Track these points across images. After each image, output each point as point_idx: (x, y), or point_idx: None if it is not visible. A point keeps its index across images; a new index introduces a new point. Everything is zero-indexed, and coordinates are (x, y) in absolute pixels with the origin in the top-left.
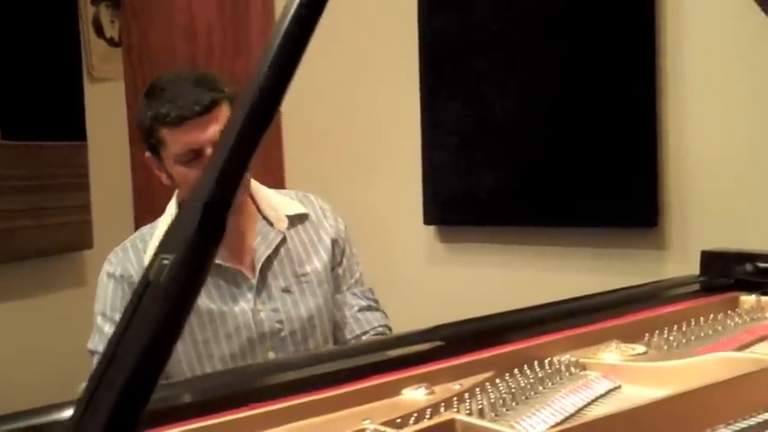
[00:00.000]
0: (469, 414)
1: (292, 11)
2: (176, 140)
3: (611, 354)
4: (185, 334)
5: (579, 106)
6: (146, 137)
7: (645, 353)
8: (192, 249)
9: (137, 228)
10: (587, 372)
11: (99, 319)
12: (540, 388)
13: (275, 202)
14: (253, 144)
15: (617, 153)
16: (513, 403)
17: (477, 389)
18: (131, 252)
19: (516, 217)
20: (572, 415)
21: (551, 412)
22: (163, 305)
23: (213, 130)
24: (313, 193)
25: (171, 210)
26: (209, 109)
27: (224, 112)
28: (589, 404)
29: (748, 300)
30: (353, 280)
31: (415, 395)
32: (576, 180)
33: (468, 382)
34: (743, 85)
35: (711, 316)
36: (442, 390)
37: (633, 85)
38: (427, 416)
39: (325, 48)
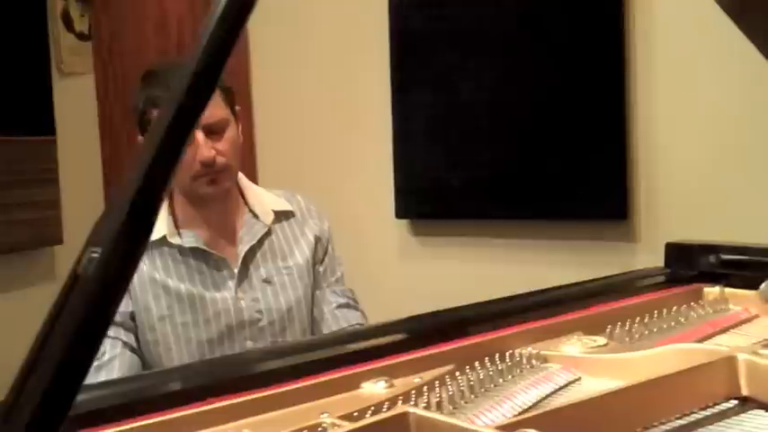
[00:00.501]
0: (427, 407)
1: (219, 12)
2: None
3: (573, 346)
4: (164, 314)
5: (550, 100)
6: (139, 120)
7: (606, 345)
8: (119, 242)
9: None
10: (548, 364)
11: None
12: (500, 380)
13: (262, 198)
14: (182, 139)
15: (587, 146)
16: (472, 396)
17: (437, 382)
18: None
19: (487, 210)
20: (530, 407)
21: (510, 404)
22: (90, 298)
23: (204, 114)
24: (300, 193)
25: None
26: None
27: (215, 99)
28: (548, 396)
29: (712, 291)
30: (334, 278)
31: (375, 389)
32: (547, 174)
33: (428, 375)
34: (711, 79)
35: (675, 308)
36: (402, 383)
37: (603, 78)
38: (384, 409)
39: (295, 41)
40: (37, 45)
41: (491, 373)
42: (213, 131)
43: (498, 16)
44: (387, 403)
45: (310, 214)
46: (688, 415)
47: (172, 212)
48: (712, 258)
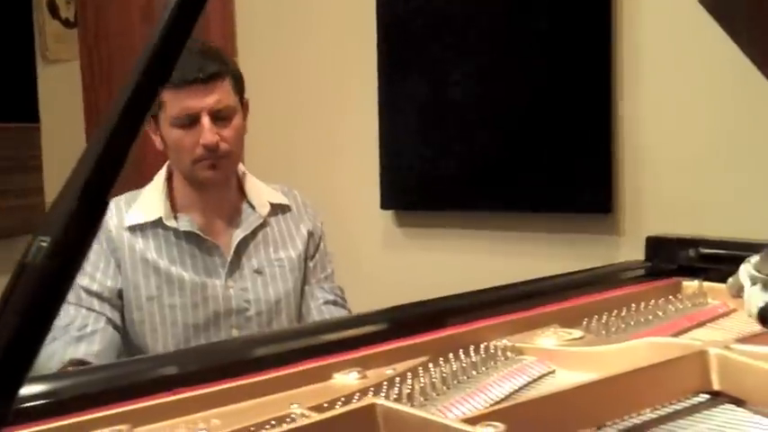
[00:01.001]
0: (398, 399)
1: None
2: (175, 103)
3: (549, 339)
4: (153, 295)
5: (536, 93)
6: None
7: (582, 338)
8: (69, 231)
9: None
10: (523, 356)
11: None
12: (474, 373)
13: (260, 190)
14: (134, 128)
15: (573, 140)
16: (444, 388)
17: (410, 373)
18: (114, 209)
19: (472, 202)
20: (502, 399)
21: (482, 397)
22: (38, 286)
23: (213, 99)
24: (296, 189)
25: (161, 177)
26: (212, 77)
27: (226, 86)
28: (521, 388)
29: (691, 285)
30: (324, 275)
31: (346, 380)
32: (533, 166)
33: (401, 366)
34: (698, 74)
35: (653, 301)
36: (374, 374)
37: (590, 74)
38: (355, 400)
39: (282, 32)
40: (22, 32)
41: (465, 365)
42: (220, 118)
43: (486, 7)
44: (358, 394)
45: (306, 210)
46: (659, 409)
47: (170, 195)
48: (692, 252)
